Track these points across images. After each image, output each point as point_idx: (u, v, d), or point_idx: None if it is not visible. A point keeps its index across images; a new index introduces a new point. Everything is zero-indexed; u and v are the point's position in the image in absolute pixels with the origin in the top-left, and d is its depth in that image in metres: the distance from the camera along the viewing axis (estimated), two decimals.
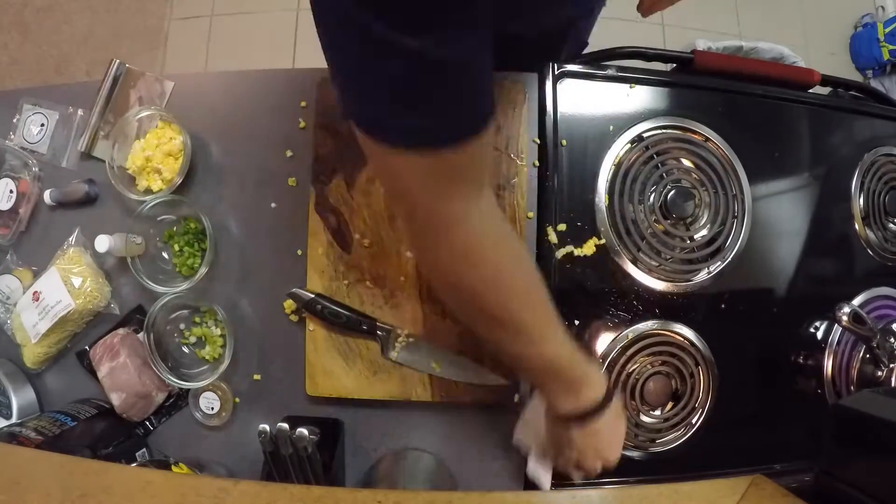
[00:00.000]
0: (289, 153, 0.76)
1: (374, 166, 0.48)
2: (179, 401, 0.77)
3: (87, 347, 0.78)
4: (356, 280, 0.71)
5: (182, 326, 0.78)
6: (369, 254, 0.71)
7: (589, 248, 0.74)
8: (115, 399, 0.73)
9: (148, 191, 0.76)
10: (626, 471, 0.75)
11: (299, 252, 0.75)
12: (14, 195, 0.81)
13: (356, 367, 0.71)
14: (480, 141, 0.42)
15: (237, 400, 0.75)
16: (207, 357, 0.76)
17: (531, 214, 0.75)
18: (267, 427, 0.61)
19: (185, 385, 0.73)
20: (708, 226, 0.77)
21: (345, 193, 0.72)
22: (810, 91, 0.85)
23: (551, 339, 0.55)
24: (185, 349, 0.77)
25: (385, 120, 0.40)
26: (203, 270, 0.73)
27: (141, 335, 0.75)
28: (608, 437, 0.62)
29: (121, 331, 0.76)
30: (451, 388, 0.71)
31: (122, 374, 0.73)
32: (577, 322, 0.74)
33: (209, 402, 0.75)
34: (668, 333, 0.76)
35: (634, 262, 0.75)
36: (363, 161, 0.71)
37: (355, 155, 0.71)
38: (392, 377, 0.71)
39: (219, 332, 0.76)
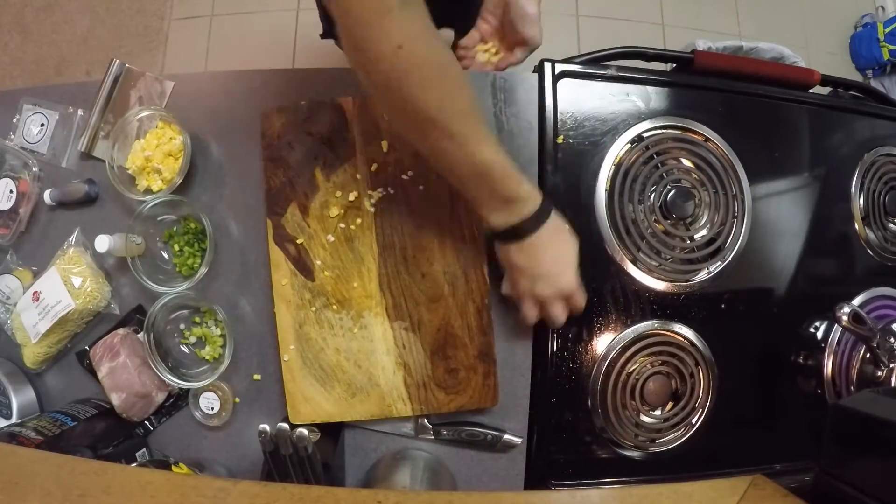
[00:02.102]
0: None
1: None
2: (179, 401, 0.77)
3: (87, 347, 0.78)
4: (322, 306, 0.71)
5: (182, 326, 0.78)
6: (332, 278, 0.71)
7: None
8: (115, 399, 0.73)
9: (148, 191, 0.76)
10: (626, 471, 0.75)
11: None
12: (14, 195, 0.81)
13: (334, 391, 0.71)
14: None
15: (237, 400, 0.76)
16: (207, 357, 0.76)
17: None
18: (267, 427, 0.61)
19: (185, 385, 0.73)
20: (708, 226, 0.77)
21: (301, 221, 0.71)
22: (810, 91, 0.85)
23: (482, 143, 0.57)
24: (185, 349, 0.77)
25: None
26: (203, 270, 0.73)
27: (141, 335, 0.75)
28: (552, 256, 0.63)
29: (121, 331, 0.76)
30: (430, 400, 0.71)
31: (122, 374, 0.73)
32: (577, 322, 0.74)
33: (209, 402, 0.75)
34: (668, 333, 0.76)
35: (634, 262, 0.75)
36: (314, 187, 0.71)
37: (306, 181, 0.72)
38: (371, 396, 0.71)
39: (219, 332, 0.76)
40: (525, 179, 0.61)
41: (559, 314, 0.66)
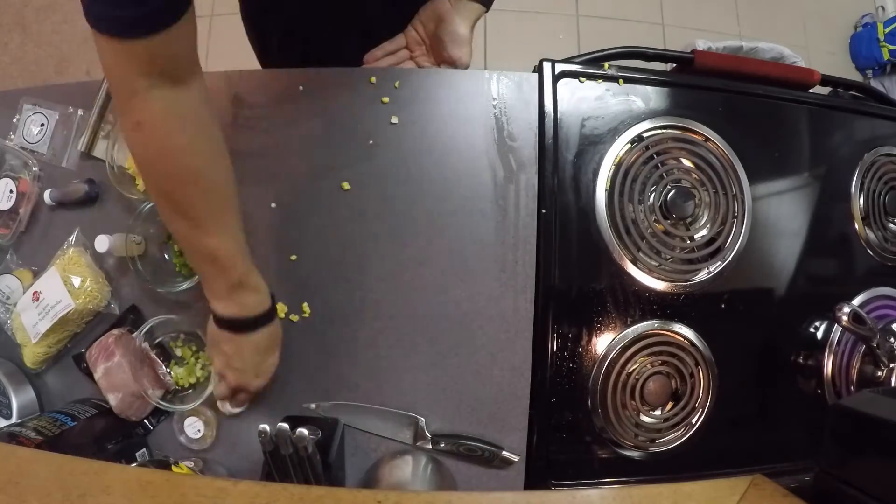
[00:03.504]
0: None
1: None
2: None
3: (83, 350, 0.78)
4: None
5: (169, 346, 0.77)
6: None
7: None
8: (113, 399, 0.73)
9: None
10: (626, 471, 0.75)
11: (293, 258, 0.75)
12: (14, 195, 0.81)
13: None
14: (171, 34, 0.50)
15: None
16: (192, 381, 0.75)
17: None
18: (267, 427, 0.60)
19: (170, 408, 0.72)
20: (708, 226, 0.77)
21: None
22: (810, 91, 0.85)
23: (218, 232, 0.59)
24: (169, 374, 0.76)
25: (91, 9, 0.48)
26: None
27: (135, 334, 0.75)
28: (254, 359, 0.66)
29: (115, 331, 0.76)
30: None
31: (117, 373, 0.72)
32: (577, 322, 0.74)
33: (194, 426, 0.75)
34: (668, 333, 0.76)
35: (634, 262, 0.75)
36: None
37: None
38: None
39: (201, 363, 0.76)
40: (258, 280, 0.63)
41: (224, 393, 0.69)
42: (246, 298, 0.62)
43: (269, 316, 0.65)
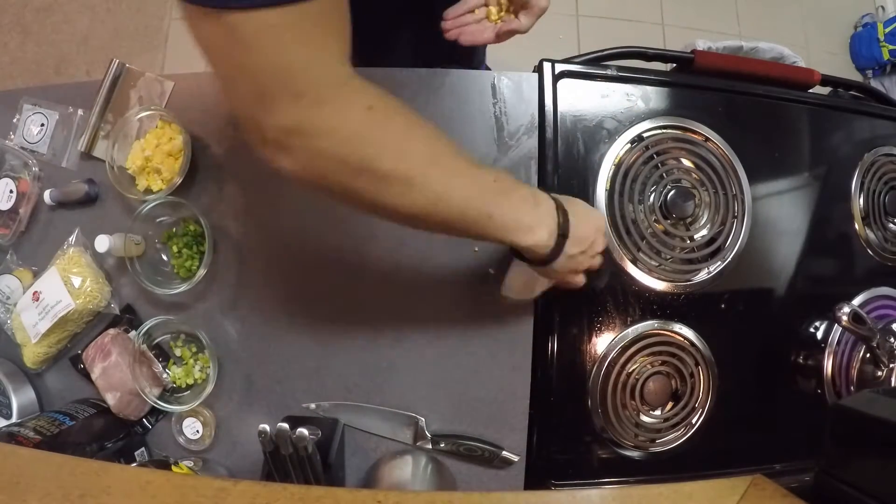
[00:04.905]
0: None
1: (224, 50, 0.44)
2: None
3: (79, 352, 0.78)
4: None
5: (169, 346, 0.77)
6: None
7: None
8: (111, 399, 0.73)
9: (148, 191, 0.76)
10: (626, 471, 0.75)
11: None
12: (14, 195, 0.81)
13: None
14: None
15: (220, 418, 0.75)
16: (180, 383, 0.76)
17: None
18: (267, 427, 0.61)
19: (168, 408, 0.72)
20: (708, 226, 0.77)
21: None
22: (810, 91, 0.85)
23: (480, 166, 0.53)
24: (167, 375, 0.76)
25: None
26: (202, 272, 0.73)
27: (132, 334, 0.75)
28: (587, 222, 0.60)
29: (111, 331, 0.76)
30: None
31: (115, 372, 0.72)
32: (577, 322, 0.74)
33: (193, 427, 0.75)
34: (668, 333, 0.75)
35: (634, 262, 0.75)
36: None
37: None
38: None
39: (200, 365, 0.76)
40: (525, 185, 0.58)
41: (596, 264, 0.64)
42: (547, 203, 0.57)
43: (547, 192, 0.59)
